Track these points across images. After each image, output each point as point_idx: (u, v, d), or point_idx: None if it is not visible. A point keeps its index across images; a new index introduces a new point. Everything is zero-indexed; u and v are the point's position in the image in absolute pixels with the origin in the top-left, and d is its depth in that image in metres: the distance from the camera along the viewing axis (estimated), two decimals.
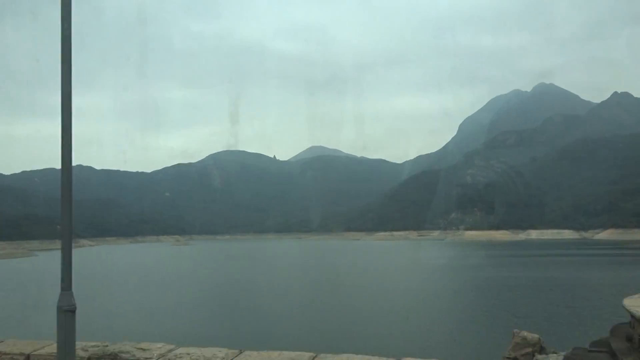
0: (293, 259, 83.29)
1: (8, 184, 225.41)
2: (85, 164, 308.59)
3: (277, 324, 28.14)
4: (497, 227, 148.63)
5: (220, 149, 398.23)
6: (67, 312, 3.67)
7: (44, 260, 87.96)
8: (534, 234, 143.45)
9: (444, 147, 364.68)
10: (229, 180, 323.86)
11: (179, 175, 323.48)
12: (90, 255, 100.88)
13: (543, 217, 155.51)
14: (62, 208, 3.97)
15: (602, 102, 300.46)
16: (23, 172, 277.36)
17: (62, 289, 3.81)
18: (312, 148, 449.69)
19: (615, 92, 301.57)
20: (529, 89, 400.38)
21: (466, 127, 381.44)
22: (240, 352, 4.51)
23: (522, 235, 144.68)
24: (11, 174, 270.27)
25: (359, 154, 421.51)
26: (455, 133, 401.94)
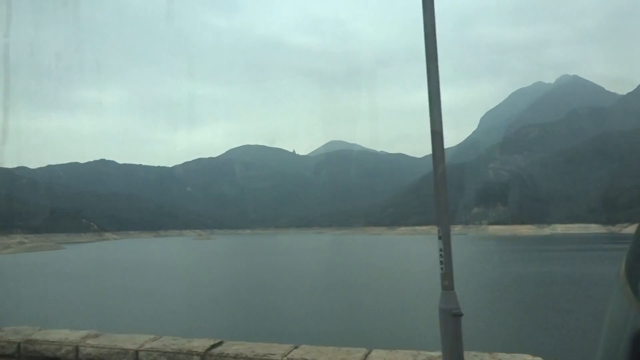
0: (321, 254, 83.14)
1: (34, 178, 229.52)
2: (108, 158, 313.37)
3: (328, 321, 27.97)
4: (522, 222, 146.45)
5: (240, 144, 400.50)
6: (452, 316, 3.20)
7: (74, 253, 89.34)
8: (559, 229, 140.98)
9: (465, 141, 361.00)
10: (250, 175, 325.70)
11: (200, 170, 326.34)
12: (118, 249, 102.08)
13: (569, 211, 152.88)
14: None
15: (628, 93, 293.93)
16: (49, 166, 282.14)
17: (444, 288, 3.32)
18: (331, 142, 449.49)
19: None
20: (552, 81, 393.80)
21: (487, 121, 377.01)
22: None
23: (547, 230, 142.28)
24: (37, 168, 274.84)
25: (378, 149, 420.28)
26: (476, 127, 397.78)
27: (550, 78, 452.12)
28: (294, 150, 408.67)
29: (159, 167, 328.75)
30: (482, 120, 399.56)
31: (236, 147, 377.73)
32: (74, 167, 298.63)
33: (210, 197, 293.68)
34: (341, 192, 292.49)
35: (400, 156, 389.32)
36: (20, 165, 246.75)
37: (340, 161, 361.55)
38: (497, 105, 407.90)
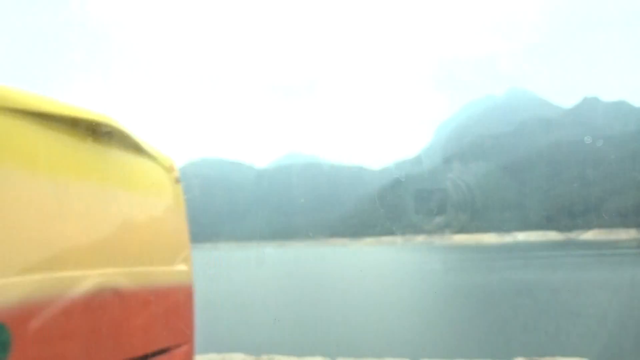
0: (290, 268, 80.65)
1: None
2: None
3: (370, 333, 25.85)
4: (484, 230, 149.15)
5: (197, 157, 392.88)
6: None
7: None
8: (520, 236, 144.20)
9: (421, 153, 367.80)
10: (209, 188, 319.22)
11: None
12: None
13: (527, 220, 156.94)
14: None
15: (574, 105, 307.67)
16: None
17: None
18: (289, 155, 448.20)
19: (586, 97, 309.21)
20: (501, 93, 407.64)
21: (442, 133, 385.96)
22: None
23: (508, 238, 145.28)
24: None
25: (336, 161, 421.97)
26: (431, 138, 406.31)
27: (500, 90, 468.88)
28: (252, 163, 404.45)
29: None
30: (436, 131, 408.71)
31: (194, 161, 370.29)
32: None
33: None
34: (302, 204, 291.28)
35: (359, 168, 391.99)
36: None
37: (300, 173, 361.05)
38: (450, 117, 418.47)
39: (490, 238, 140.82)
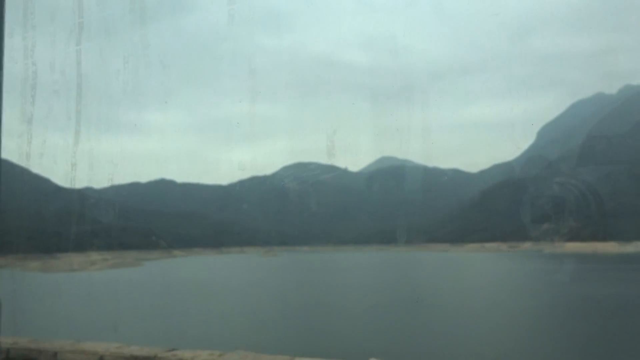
0: (407, 273, 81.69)
1: (101, 197, 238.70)
2: (167, 177, 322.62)
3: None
4: (600, 238, 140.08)
5: (292, 161, 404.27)
6: None
7: (157, 270, 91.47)
8: None
9: (522, 155, 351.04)
10: (303, 192, 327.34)
11: (254, 188, 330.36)
12: (195, 265, 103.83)
13: None
14: None
15: None
16: (112, 186, 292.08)
17: None
18: (382, 158, 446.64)
19: None
20: (614, 91, 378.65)
21: (546, 134, 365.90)
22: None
23: (629, 248, 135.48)
24: (102, 188, 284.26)
25: (430, 164, 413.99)
26: (533, 140, 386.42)
27: (612, 89, 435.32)
28: (346, 167, 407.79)
29: (215, 185, 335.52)
30: (539, 133, 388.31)
31: (289, 165, 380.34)
32: (135, 186, 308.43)
33: (266, 214, 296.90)
34: (396, 208, 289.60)
35: (454, 171, 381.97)
36: (87, 185, 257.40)
37: (393, 177, 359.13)
38: (555, 118, 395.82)
39: (609, 247, 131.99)
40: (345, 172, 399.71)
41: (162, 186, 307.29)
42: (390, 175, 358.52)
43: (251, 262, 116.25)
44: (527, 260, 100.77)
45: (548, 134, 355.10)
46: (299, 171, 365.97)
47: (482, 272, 77.18)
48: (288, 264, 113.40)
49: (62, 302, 43.84)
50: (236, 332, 28.62)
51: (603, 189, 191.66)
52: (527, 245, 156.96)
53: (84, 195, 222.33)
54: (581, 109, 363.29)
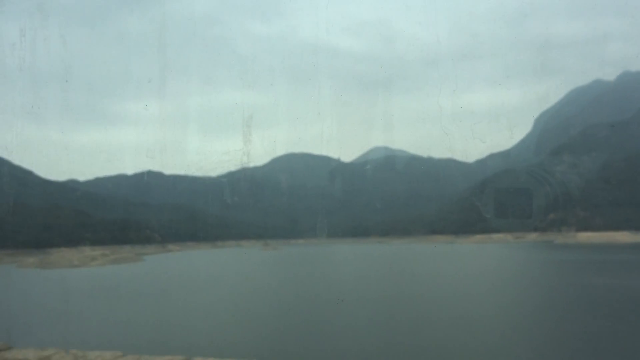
0: (431, 266, 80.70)
1: (87, 190, 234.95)
2: (154, 169, 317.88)
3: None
4: (614, 228, 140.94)
5: (283, 152, 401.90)
6: None
7: (159, 265, 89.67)
8: None
9: (520, 144, 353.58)
10: (296, 183, 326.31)
11: (245, 180, 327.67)
12: (196, 260, 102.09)
13: None
14: None
15: None
16: (97, 179, 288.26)
17: None
18: (376, 149, 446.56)
19: None
20: (612, 78, 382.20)
21: (544, 122, 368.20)
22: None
23: None
24: (86, 181, 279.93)
25: (425, 154, 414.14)
26: (530, 129, 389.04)
27: (610, 75, 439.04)
28: (339, 157, 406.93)
29: (204, 177, 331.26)
30: (537, 121, 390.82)
31: (280, 156, 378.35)
32: (121, 179, 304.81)
33: (258, 206, 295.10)
34: (393, 199, 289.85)
35: (450, 161, 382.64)
36: (70, 178, 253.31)
37: (388, 167, 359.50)
38: (552, 105, 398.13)
39: (623, 237, 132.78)
40: (338, 162, 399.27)
41: (149, 178, 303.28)
42: (383, 166, 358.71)
43: (258, 256, 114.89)
44: (541, 252, 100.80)
45: (546, 121, 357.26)
46: (290, 162, 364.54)
47: (501, 263, 76.75)
48: (296, 257, 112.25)
49: (113, 304, 41.87)
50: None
51: (609, 177, 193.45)
52: (534, 235, 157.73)
53: (68, 188, 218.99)
54: (579, 96, 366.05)
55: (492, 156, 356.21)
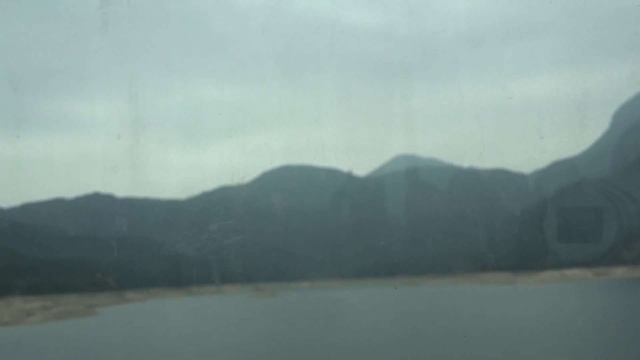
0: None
1: (11, 220, 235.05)
2: (103, 191, 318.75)
3: None
4: None
5: (277, 164, 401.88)
6: None
7: (119, 322, 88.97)
8: None
9: (594, 146, 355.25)
10: (294, 206, 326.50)
11: (225, 202, 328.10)
12: (172, 317, 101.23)
13: None
14: None
15: None
16: (25, 205, 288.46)
17: None
18: (398, 158, 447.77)
19: None
20: None
21: (625, 118, 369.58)
22: None
23: None
24: (10, 208, 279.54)
25: (465, 164, 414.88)
26: (607, 127, 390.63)
27: None
28: (349, 171, 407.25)
29: (170, 200, 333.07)
30: (615, 117, 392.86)
31: (273, 169, 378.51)
32: (58, 204, 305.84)
33: (244, 238, 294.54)
34: (423, 225, 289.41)
35: (500, 172, 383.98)
36: None
37: (416, 183, 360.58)
38: (636, 96, 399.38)
39: None
40: (349, 177, 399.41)
41: (96, 203, 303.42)
42: (411, 181, 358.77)
43: (248, 309, 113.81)
44: None
45: (628, 117, 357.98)
46: (286, 178, 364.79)
47: (608, 319, 74.89)
48: (302, 308, 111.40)
49: None
50: None
51: None
52: (622, 270, 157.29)
53: None
54: None
55: (556, 164, 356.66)
